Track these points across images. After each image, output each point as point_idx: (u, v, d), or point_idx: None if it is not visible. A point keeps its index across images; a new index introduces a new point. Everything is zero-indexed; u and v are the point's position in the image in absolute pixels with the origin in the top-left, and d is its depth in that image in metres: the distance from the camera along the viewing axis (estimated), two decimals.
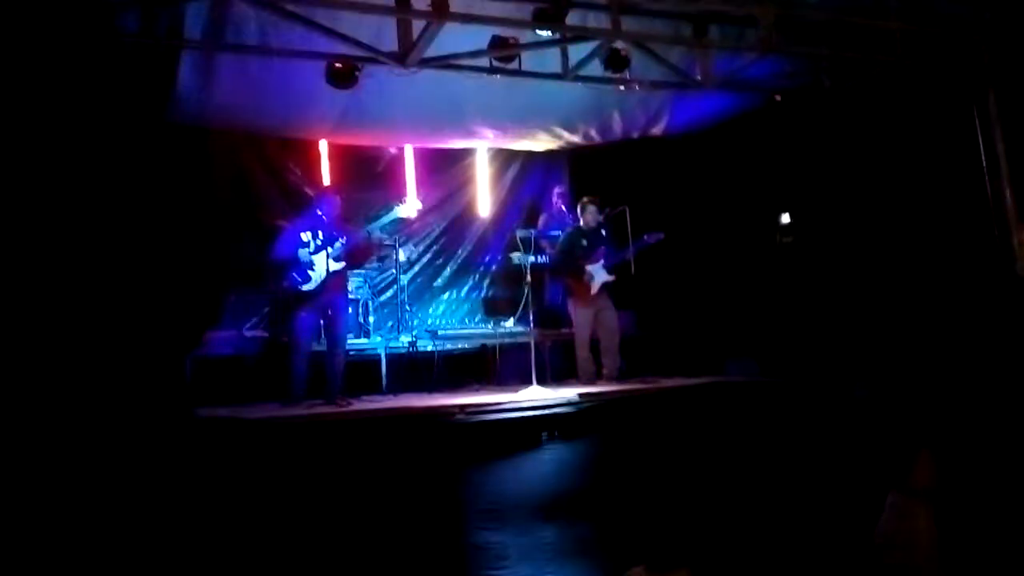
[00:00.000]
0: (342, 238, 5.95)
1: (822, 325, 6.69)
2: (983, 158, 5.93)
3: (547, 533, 4.99)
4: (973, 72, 5.96)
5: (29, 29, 4.36)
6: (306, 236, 5.97)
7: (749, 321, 7.28)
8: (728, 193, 7.64)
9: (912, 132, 6.24)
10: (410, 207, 6.27)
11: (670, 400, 5.90)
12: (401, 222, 7.02)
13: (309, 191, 7.44)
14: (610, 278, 6.82)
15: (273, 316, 6.47)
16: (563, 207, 8.14)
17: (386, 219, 6.22)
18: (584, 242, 6.92)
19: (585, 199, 7.05)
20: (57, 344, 4.56)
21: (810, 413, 5.81)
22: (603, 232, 7.00)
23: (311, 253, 5.91)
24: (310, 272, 5.90)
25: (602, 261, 6.82)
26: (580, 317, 6.86)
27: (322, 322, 6.07)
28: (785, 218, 7.38)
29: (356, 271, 7.13)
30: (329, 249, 5.90)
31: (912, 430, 4.31)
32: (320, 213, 6.05)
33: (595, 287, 6.81)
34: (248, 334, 6.88)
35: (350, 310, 7.08)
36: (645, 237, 6.79)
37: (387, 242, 7.48)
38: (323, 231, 5.98)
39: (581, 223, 7.02)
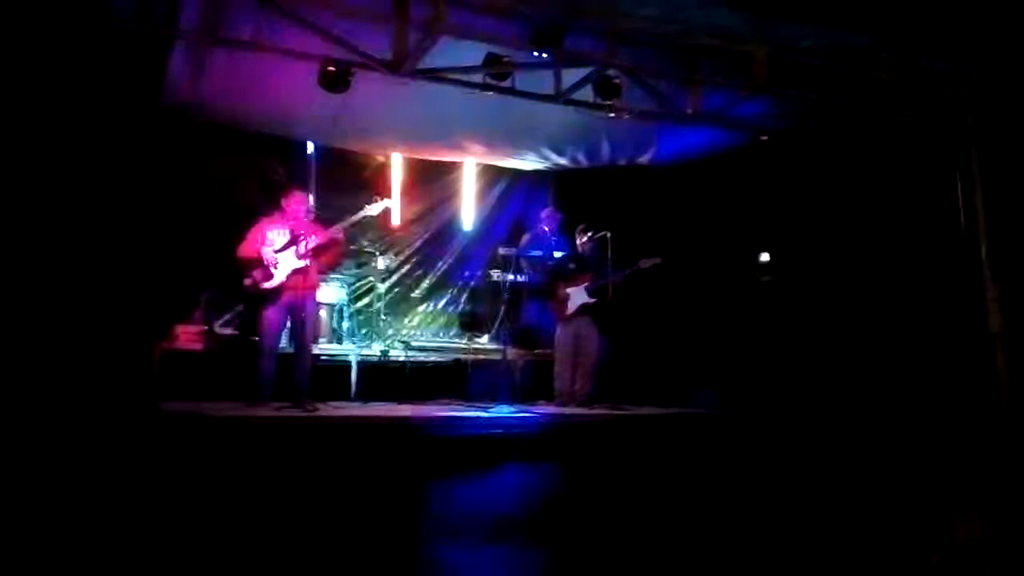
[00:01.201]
0: (309, 236, 5.90)
1: (794, 365, 6.74)
2: (962, 214, 6.02)
3: (502, 553, 4.96)
4: (957, 128, 6.07)
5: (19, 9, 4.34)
6: (272, 234, 5.92)
7: (723, 355, 7.32)
8: (710, 227, 7.71)
9: (894, 182, 6.33)
10: (379, 206, 6.19)
11: (636, 429, 5.89)
12: (372, 221, 6.91)
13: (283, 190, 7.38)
14: (590, 300, 6.85)
15: (243, 314, 6.41)
16: (547, 229, 8.15)
17: (355, 217, 6.13)
18: (572, 266, 7.02)
19: (582, 226, 7.15)
20: (24, 326, 4.50)
21: (776, 452, 5.83)
22: (595, 258, 7.05)
23: (276, 251, 5.87)
24: (273, 270, 5.84)
25: (586, 284, 6.86)
26: (558, 337, 6.95)
27: (289, 323, 6.02)
28: (765, 257, 7.45)
29: (332, 274, 7.07)
30: (294, 248, 5.87)
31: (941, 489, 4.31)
32: (289, 211, 6.00)
33: (571, 307, 6.85)
34: (219, 331, 6.82)
35: (323, 314, 7.03)
36: (640, 262, 6.82)
37: (367, 249, 7.45)
38: (291, 229, 5.93)
39: (578, 247, 7.11)
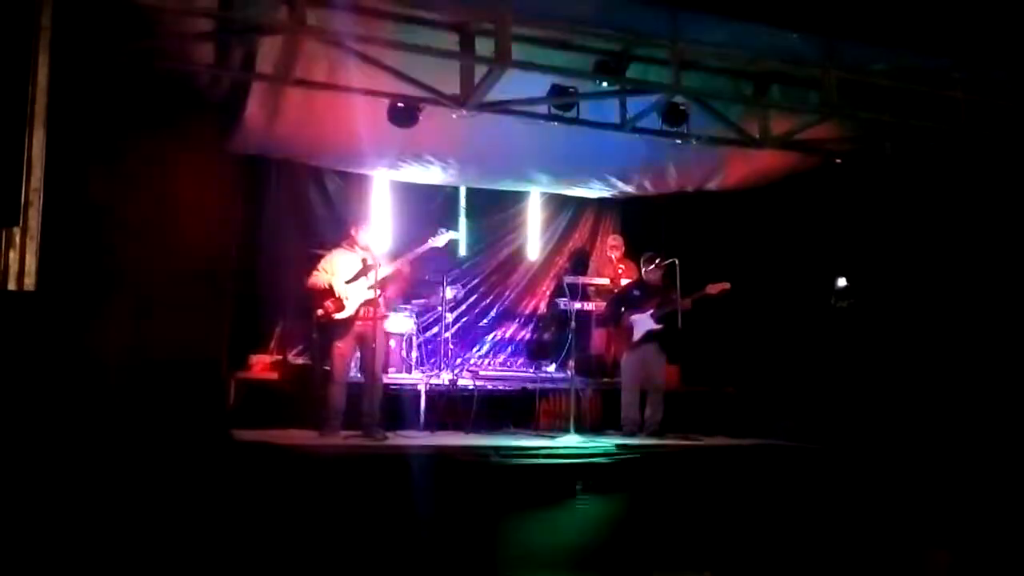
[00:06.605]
0: (378, 268, 5.96)
1: (874, 394, 6.50)
2: None
3: None
4: None
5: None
6: (342, 265, 6.01)
7: (798, 383, 7.11)
8: (783, 252, 7.53)
9: (975, 202, 6.10)
10: (444, 238, 6.26)
11: (709, 459, 5.77)
12: (438, 252, 6.95)
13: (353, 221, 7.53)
14: (656, 327, 6.73)
15: (314, 344, 6.53)
16: (613, 257, 8.13)
17: (421, 249, 6.21)
18: (637, 293, 6.93)
19: (648, 254, 7.04)
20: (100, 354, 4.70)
21: (852, 484, 5.64)
22: (661, 285, 6.97)
23: (347, 282, 5.97)
24: (345, 301, 5.93)
25: (651, 311, 6.77)
26: (625, 364, 6.87)
27: (358, 353, 6.11)
28: (842, 282, 7.23)
29: (401, 304, 7.16)
30: (364, 279, 5.96)
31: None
32: (359, 243, 6.11)
33: (637, 335, 6.76)
34: (293, 360, 6.97)
35: (392, 343, 7.14)
36: (707, 287, 6.67)
37: (435, 279, 7.53)
38: (361, 261, 6.03)
39: (642, 275, 7.03)
